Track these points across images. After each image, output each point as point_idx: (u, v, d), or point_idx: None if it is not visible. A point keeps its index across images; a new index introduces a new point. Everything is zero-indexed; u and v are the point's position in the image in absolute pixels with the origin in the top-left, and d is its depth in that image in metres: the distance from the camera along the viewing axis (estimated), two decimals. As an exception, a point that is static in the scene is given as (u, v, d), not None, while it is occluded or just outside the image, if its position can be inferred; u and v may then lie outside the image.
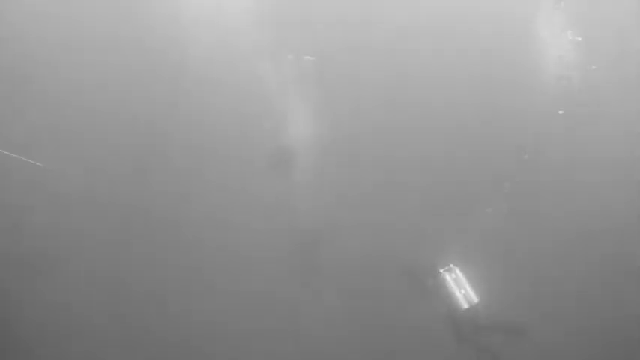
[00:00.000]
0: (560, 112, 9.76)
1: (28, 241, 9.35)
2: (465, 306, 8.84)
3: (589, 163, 9.85)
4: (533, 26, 9.74)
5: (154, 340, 9.17)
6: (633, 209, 9.68)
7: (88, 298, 9.29)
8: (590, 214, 9.68)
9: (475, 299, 8.91)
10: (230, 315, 9.31)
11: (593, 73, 9.72)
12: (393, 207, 9.66)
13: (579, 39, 9.69)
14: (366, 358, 9.09)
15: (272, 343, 9.15)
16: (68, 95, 9.74)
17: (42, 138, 9.53)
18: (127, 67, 9.82)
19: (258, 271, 9.40)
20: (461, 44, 10.11)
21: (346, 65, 10.06)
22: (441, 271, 9.02)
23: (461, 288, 8.95)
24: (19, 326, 9.09)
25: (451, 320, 8.84)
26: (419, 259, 9.16)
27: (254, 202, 9.66)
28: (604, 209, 9.68)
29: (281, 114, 9.72)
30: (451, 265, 9.10)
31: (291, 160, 9.83)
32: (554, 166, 9.87)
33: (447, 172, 9.99)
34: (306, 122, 9.75)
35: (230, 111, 9.84)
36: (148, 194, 9.80)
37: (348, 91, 9.99)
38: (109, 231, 9.59)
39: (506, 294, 8.92)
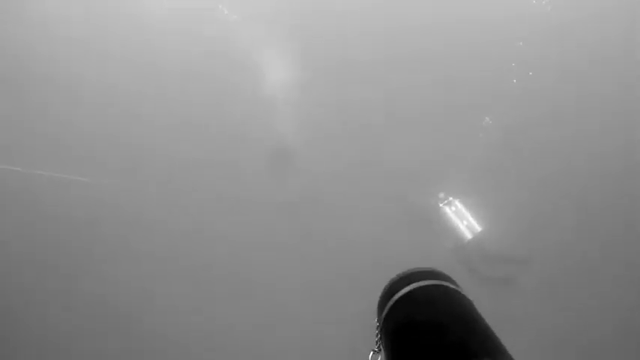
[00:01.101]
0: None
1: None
2: (469, 236, 8.88)
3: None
4: None
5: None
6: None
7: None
8: (581, 146, 10.05)
9: (478, 228, 8.97)
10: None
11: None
12: (387, 148, 9.77)
13: None
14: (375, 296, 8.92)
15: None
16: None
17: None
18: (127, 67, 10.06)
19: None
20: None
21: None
22: (441, 205, 9.07)
23: (463, 219, 9.00)
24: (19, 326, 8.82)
25: (459, 252, 8.83)
26: (419, 196, 9.22)
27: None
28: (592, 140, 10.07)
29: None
30: (450, 199, 9.17)
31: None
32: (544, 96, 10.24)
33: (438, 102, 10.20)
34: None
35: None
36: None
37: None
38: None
39: (507, 222, 9.04)
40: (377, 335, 1.37)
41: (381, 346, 1.33)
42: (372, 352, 1.34)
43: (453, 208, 9.07)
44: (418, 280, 1.34)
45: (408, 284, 1.34)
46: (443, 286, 1.33)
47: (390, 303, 1.33)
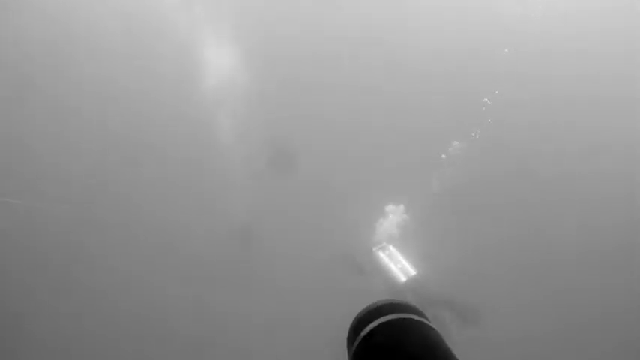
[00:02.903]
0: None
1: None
2: (403, 279, 9.14)
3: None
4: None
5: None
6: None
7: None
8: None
9: (412, 271, 9.27)
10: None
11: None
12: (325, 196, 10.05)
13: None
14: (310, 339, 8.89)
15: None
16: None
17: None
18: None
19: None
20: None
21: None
22: (374, 249, 9.33)
23: (397, 262, 9.28)
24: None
25: (392, 294, 9.04)
26: (353, 242, 9.45)
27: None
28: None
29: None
30: (384, 243, 9.46)
31: None
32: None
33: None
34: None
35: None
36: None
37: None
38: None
39: (440, 267, 9.44)
40: None
41: None
42: None
43: (387, 252, 9.37)
44: (386, 314, 1.34)
45: (377, 317, 1.33)
46: (410, 319, 1.33)
47: (359, 339, 1.33)
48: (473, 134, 11.61)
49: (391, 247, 9.42)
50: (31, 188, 9.32)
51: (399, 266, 9.23)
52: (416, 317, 1.34)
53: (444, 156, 11.56)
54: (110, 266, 9.33)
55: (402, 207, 10.28)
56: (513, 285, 9.85)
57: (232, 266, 9.31)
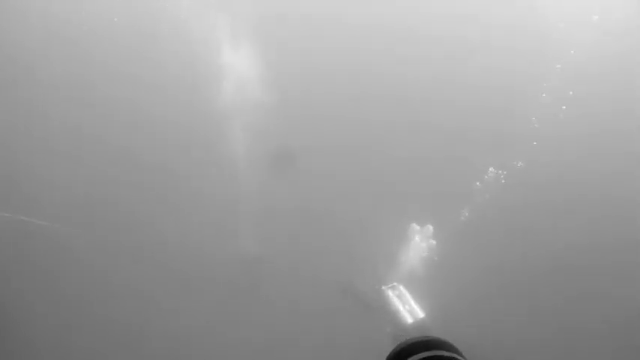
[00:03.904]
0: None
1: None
2: (410, 320, 9.17)
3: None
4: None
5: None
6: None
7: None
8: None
9: (420, 314, 9.24)
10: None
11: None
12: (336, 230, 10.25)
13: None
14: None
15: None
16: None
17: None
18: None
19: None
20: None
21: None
22: (384, 288, 9.41)
23: (405, 304, 9.30)
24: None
25: (398, 336, 9.14)
26: (363, 280, 9.62)
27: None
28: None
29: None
30: (395, 283, 9.49)
31: None
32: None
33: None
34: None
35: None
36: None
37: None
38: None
39: (450, 310, 9.26)
40: None
41: None
42: None
43: (397, 292, 9.41)
44: (421, 351, 1.30)
45: (410, 355, 1.30)
46: (446, 357, 1.29)
47: None
48: (516, 163, 10.79)
49: (401, 288, 9.44)
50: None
51: (407, 307, 9.26)
52: (454, 355, 1.31)
53: (478, 183, 10.98)
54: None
55: (423, 244, 10.14)
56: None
57: (236, 289, 9.92)
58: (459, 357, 1.32)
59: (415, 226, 10.25)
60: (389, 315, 9.24)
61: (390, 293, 9.37)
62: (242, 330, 9.54)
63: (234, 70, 10.58)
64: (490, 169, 10.83)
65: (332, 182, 10.96)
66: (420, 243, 10.15)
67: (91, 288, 10.22)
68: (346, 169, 11.17)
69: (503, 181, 10.70)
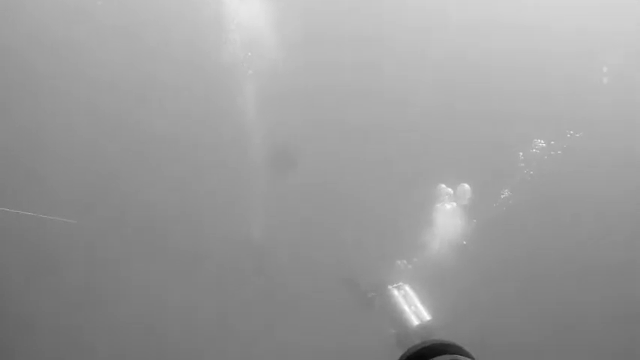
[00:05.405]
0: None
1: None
2: (416, 322, 8.88)
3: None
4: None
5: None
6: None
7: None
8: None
9: (426, 316, 8.95)
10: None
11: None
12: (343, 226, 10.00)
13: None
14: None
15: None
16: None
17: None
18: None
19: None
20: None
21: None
22: (390, 287, 9.14)
23: (411, 305, 9.01)
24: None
25: (402, 337, 8.86)
26: (369, 278, 9.35)
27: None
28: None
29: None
30: (401, 283, 9.21)
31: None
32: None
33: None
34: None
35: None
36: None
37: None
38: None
39: (455, 311, 8.96)
40: None
41: None
42: None
43: (403, 292, 9.13)
44: (433, 356, 1.23)
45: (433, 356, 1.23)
46: None
47: None
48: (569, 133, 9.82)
49: (407, 288, 9.17)
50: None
51: (412, 308, 8.97)
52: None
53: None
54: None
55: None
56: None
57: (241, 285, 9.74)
58: None
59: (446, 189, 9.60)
60: (393, 315, 8.98)
61: (395, 293, 9.11)
62: (245, 323, 9.39)
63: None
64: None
65: (354, 160, 10.60)
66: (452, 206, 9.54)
67: (94, 283, 10.09)
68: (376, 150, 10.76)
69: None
